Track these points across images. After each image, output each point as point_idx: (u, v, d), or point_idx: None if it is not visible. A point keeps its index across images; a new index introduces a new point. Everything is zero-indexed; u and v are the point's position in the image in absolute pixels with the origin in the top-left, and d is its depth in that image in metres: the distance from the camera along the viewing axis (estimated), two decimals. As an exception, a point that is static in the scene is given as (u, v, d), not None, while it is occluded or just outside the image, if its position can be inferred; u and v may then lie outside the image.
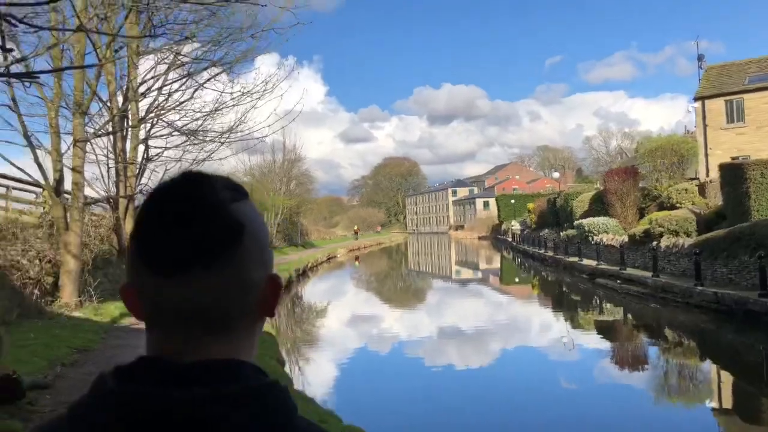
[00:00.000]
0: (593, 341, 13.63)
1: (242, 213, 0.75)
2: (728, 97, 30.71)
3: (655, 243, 18.68)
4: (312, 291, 25.55)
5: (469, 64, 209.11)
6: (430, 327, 15.84)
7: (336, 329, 15.98)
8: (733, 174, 16.72)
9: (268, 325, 12.17)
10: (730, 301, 13.15)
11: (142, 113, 15.32)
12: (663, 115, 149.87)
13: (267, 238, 0.79)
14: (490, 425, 7.87)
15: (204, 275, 0.71)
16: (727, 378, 9.93)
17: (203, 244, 0.71)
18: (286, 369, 9.94)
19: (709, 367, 11.09)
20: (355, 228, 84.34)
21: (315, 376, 10.60)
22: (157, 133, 17.06)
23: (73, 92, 10.25)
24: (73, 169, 11.12)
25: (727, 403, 8.93)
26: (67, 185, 11.58)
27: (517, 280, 29.25)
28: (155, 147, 17.72)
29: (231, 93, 16.06)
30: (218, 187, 0.75)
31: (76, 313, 11.65)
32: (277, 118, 17.74)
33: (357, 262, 43.54)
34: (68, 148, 11.03)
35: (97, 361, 8.96)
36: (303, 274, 30.19)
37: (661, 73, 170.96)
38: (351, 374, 10.92)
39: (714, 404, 8.81)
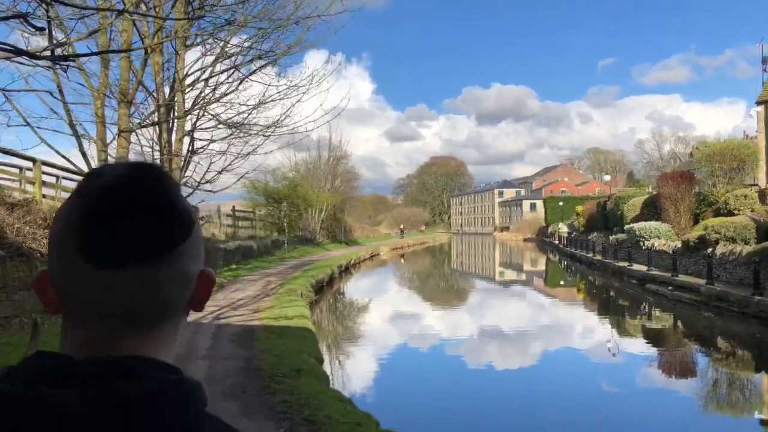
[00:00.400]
0: (639, 347, 13.10)
1: (189, 207, 0.74)
2: (793, 100, 29.21)
3: (710, 250, 17.88)
4: (354, 287, 25.57)
5: (519, 63, 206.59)
6: (471, 327, 15.66)
7: (376, 326, 15.85)
8: (798, 179, 15.81)
9: (308, 322, 12.14)
10: (792, 313, 12.43)
11: (188, 105, 15.52)
12: (720, 120, 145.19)
13: (200, 231, 0.79)
14: (527, 427, 7.75)
15: (152, 269, 0.70)
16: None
17: (158, 239, 0.70)
18: (325, 366, 9.88)
19: (762, 379, 10.47)
20: (401, 226, 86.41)
21: (354, 375, 10.51)
22: (203, 126, 17.29)
23: (119, 81, 10.41)
24: (118, 160, 11.32)
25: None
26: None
27: (562, 283, 28.53)
28: (200, 139, 17.94)
29: (277, 86, 16.17)
30: (170, 180, 0.74)
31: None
32: (323, 113, 17.80)
33: (402, 260, 43.44)
34: (113, 139, 11.20)
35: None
36: (345, 270, 30.25)
37: (720, 76, 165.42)
38: (391, 373, 10.77)
39: (764, 416, 8.37)
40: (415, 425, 7.70)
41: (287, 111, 16.85)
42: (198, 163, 17.66)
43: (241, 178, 19.20)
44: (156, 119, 13.91)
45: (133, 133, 12.07)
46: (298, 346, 9.83)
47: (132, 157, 12.57)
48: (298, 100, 16.89)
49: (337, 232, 51.15)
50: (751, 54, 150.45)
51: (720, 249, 17.52)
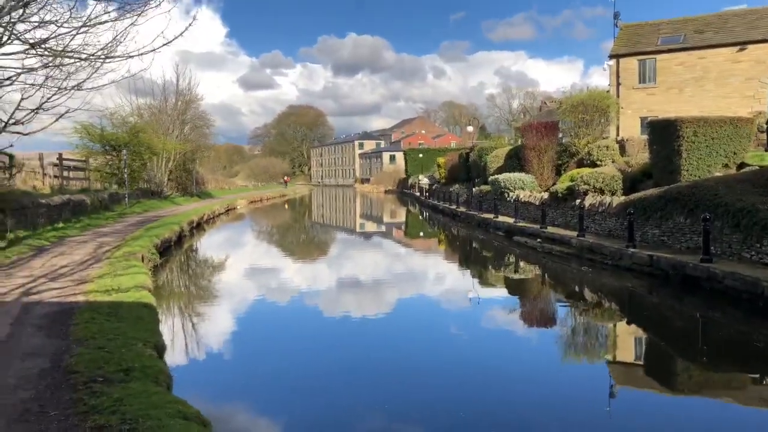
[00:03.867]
0: (504, 299, 12.66)
1: None
2: (641, 57, 30.60)
3: (578, 201, 17.78)
4: (208, 246, 22.90)
5: (374, 12, 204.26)
6: (334, 280, 14.88)
7: (232, 290, 13.65)
8: (664, 131, 15.89)
9: (148, 294, 9.80)
10: (667, 265, 12.26)
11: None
12: (561, 77, 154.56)
13: None
14: (390, 376, 7.49)
15: None
16: (654, 341, 8.86)
17: None
18: (168, 355, 7.74)
19: (631, 328, 9.99)
20: (287, 178, 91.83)
21: (206, 362, 8.42)
22: (8, 51, 13.72)
23: None
24: None
25: (658, 367, 7.79)
26: None
27: (425, 234, 27.99)
28: (8, 68, 14.34)
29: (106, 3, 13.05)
30: None
31: None
32: (165, 41, 14.90)
33: (289, 204, 40.82)
34: None
35: None
36: (198, 227, 27.33)
37: (559, 36, 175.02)
38: (251, 349, 8.78)
39: (630, 363, 8.17)
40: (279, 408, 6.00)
41: (119, 36, 13.81)
42: (4, 98, 14.12)
43: (61, 116, 15.78)
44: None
45: None
46: (132, 332, 7.59)
47: None
48: (132, 23, 13.89)
49: (188, 184, 47.06)
50: (586, 15, 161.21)
51: (589, 200, 17.44)
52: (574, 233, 16.75)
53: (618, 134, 28.56)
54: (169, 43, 14.96)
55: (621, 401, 6.64)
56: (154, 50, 15.98)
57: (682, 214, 13.35)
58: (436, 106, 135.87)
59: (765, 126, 19.16)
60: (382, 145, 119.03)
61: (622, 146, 21.90)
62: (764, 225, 10.87)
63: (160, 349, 7.46)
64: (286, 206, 52.00)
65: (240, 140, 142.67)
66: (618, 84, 30.89)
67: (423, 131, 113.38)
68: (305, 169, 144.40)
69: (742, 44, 28.20)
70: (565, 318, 10.84)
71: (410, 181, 63.55)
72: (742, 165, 15.34)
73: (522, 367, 7.81)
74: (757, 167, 14.52)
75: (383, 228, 31.15)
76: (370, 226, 33.09)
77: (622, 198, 16.29)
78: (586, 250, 15.47)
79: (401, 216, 40.09)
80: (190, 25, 15.04)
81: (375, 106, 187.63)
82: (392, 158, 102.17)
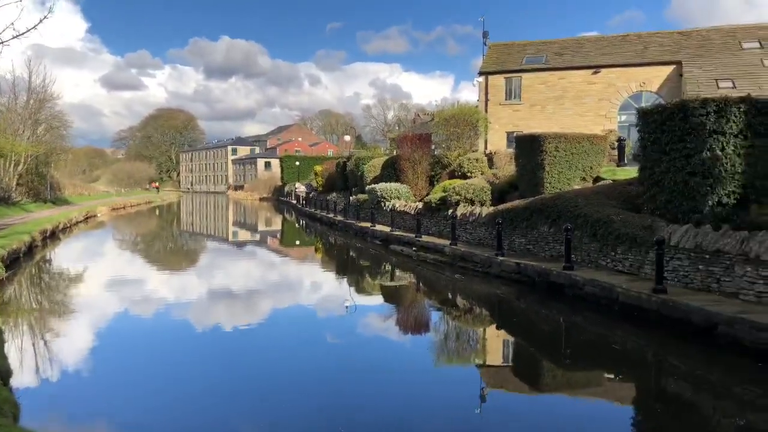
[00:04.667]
0: (380, 305, 12.88)
1: None
2: (508, 75, 32.52)
3: (450, 211, 18.43)
4: (63, 256, 20.96)
5: (249, 16, 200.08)
6: (203, 290, 14.35)
7: (89, 303, 12.50)
8: (529, 145, 16.92)
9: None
10: (533, 272, 13.01)
11: None
12: (433, 91, 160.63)
13: None
14: (261, 386, 7.43)
15: None
16: (522, 344, 9.39)
17: None
18: (16, 379, 6.90)
19: (500, 333, 10.51)
20: (155, 183, 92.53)
21: (59, 383, 7.61)
22: None
23: None
24: None
25: (527, 367, 8.26)
26: None
27: (301, 243, 27.69)
28: None
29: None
30: None
31: None
32: (16, 33, 13.47)
33: (157, 211, 38.16)
34: None
35: None
36: (52, 235, 25.00)
37: (432, 51, 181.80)
38: (111, 368, 8.08)
39: (495, 364, 8.66)
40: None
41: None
42: None
43: None
44: None
45: None
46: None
47: None
48: (-27, 9, 12.44)
49: (42, 189, 43.07)
50: (458, 32, 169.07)
51: (460, 210, 18.13)
52: (448, 242, 17.33)
53: (486, 147, 30.07)
54: (20, 35, 13.68)
55: (491, 403, 6.88)
56: (2, 42, 14.47)
57: (546, 224, 14.25)
58: (313, 114, 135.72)
59: (615, 143, 21.06)
60: (257, 152, 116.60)
61: (490, 159, 23.05)
62: (617, 235, 11.87)
63: (5, 374, 6.64)
64: (153, 213, 49.17)
65: (102, 143, 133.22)
66: (486, 100, 32.59)
67: (300, 138, 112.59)
68: (174, 175, 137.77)
69: (596, 68, 30.89)
70: (438, 323, 11.17)
71: (286, 188, 62.71)
72: (597, 179, 16.70)
73: (397, 371, 7.91)
74: (611, 181, 15.87)
75: (257, 237, 30.38)
76: (244, 235, 32.16)
77: (491, 208, 17.12)
78: (459, 258, 16.05)
79: (277, 224, 39.38)
80: (45, 17, 13.77)
81: (249, 112, 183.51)
82: (267, 165, 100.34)
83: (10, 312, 11.34)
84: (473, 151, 25.12)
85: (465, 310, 12.29)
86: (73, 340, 9.57)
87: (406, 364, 8.34)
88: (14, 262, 16.80)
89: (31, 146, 38.43)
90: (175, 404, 6.66)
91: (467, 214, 17.80)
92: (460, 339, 10.17)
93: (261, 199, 73.07)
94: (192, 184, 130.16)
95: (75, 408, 6.57)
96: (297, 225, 36.76)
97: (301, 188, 51.32)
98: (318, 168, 45.81)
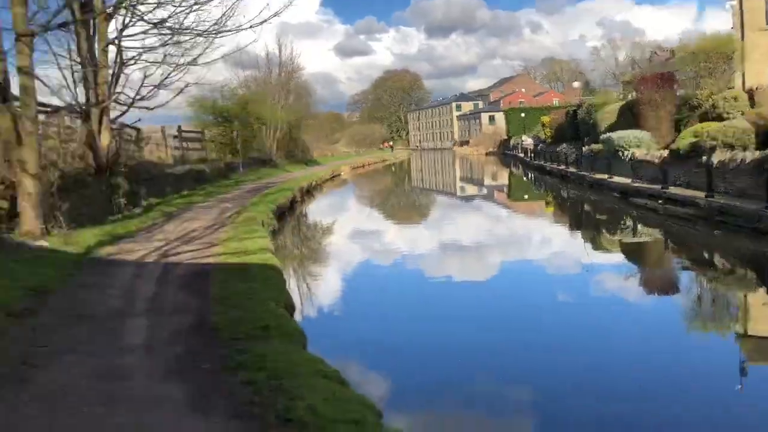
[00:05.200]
0: (620, 265, 12.09)
1: None
2: (773, -6, 27.52)
3: (704, 158, 16.52)
4: (319, 211, 23.68)
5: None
6: (431, 243, 15.06)
7: (348, 255, 14.07)
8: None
9: (272, 257, 10.28)
10: (814, 225, 11.18)
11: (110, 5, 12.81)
12: (670, 24, 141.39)
13: None
14: (488, 342, 7.41)
15: None
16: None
17: None
18: (297, 314, 8.12)
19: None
20: (390, 143, 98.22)
21: (332, 323, 8.76)
22: (131, 32, 14.61)
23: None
24: (20, 70, 8.83)
25: None
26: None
27: (530, 197, 27.25)
28: (130, 48, 15.29)
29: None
30: None
31: (41, 242, 9.75)
32: (271, 12, 15.22)
33: (393, 168, 41.38)
34: (12, 46, 8.72)
35: (55, 309, 7.10)
36: (308, 192, 28.25)
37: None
38: (373, 311, 9.04)
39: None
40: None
41: (228, 11, 14.28)
42: (130, 77, 15.17)
43: (181, 92, 16.75)
44: (67, 19, 11.24)
45: (46, 42, 9.54)
46: (264, 292, 7.98)
47: (50, 72, 10.06)
48: (240, -1, 14.30)
49: (295, 151, 48.58)
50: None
51: (717, 156, 16.17)
52: (700, 194, 15.64)
53: (745, 83, 26.06)
54: (278, 13, 15.33)
55: (754, 379, 6.00)
56: (263, 21, 16.44)
57: (831, 169, 12.06)
58: (536, 63, 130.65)
59: None
60: (480, 106, 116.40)
61: (751, 96, 20.04)
62: None
63: (290, 306, 7.83)
64: (388, 170, 52.51)
65: (339, 107, 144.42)
66: (742, 26, 27.98)
67: (523, 89, 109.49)
68: (403, 134, 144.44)
69: None
70: (690, 285, 10.18)
71: (512, 141, 61.91)
72: None
73: (637, 337, 7.29)
74: None
75: (484, 191, 30.72)
76: (471, 189, 32.74)
77: (758, 153, 14.96)
78: (716, 211, 14.40)
79: (504, 178, 39.29)
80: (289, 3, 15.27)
81: (471, 67, 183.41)
82: (491, 119, 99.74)
83: (284, 257, 13.23)
84: (729, 89, 22.02)
85: (725, 272, 11.02)
86: (331, 281, 10.93)
87: (649, 330, 7.65)
88: (281, 216, 19.42)
89: (286, 114, 43.42)
90: (422, 334, 7.44)
91: (726, 161, 15.80)
92: (717, 304, 9.17)
93: (487, 154, 73.28)
94: (420, 142, 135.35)
95: (347, 336, 7.57)
96: (524, 178, 36.24)
97: (527, 141, 50.23)
98: (545, 119, 44.29)
